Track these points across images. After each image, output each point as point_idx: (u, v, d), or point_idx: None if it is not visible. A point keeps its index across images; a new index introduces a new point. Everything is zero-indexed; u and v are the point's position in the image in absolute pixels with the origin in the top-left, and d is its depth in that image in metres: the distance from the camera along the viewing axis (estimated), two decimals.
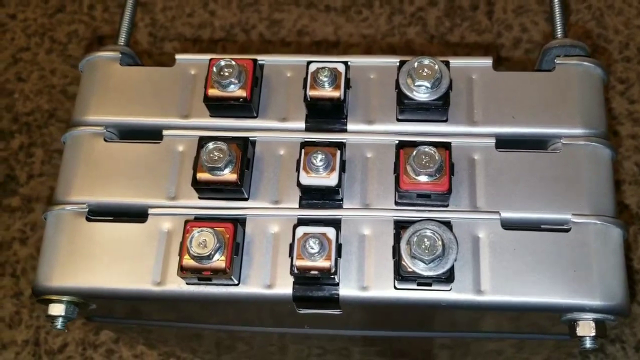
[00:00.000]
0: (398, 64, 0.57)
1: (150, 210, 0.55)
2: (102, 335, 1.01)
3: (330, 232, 0.51)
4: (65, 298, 0.54)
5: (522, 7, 1.15)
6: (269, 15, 1.19)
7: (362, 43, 1.17)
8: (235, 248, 0.51)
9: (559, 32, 0.62)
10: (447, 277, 0.49)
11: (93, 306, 0.56)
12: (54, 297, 0.54)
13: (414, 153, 0.52)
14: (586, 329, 0.51)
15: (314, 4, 1.19)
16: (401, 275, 0.50)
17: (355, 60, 0.59)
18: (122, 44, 0.64)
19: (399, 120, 0.57)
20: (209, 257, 0.50)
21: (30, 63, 1.20)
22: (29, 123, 1.15)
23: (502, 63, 1.12)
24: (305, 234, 0.51)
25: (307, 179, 0.53)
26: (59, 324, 0.54)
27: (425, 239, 0.49)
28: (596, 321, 0.51)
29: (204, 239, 0.50)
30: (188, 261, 0.50)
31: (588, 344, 0.51)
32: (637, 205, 1.00)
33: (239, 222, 0.53)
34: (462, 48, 1.14)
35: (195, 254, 0.49)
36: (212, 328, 0.64)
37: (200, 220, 0.53)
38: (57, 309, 0.54)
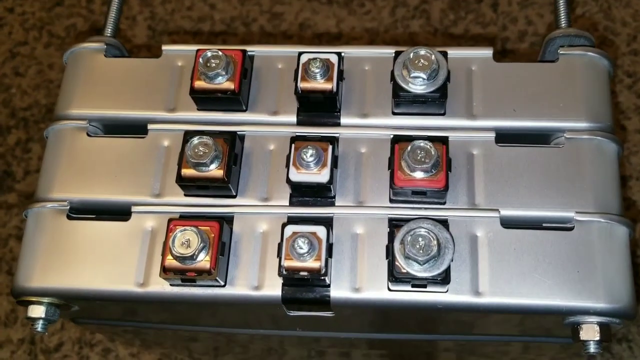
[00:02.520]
0: (394, 54, 0.54)
1: (134, 208, 0.53)
2: (98, 333, 0.99)
3: (321, 231, 0.49)
4: (45, 300, 0.52)
5: (528, 0, 1.12)
6: (270, 8, 1.17)
7: (365, 36, 1.14)
8: (221, 248, 0.49)
9: (563, 21, 0.59)
10: (443, 279, 0.47)
11: (76, 308, 0.54)
12: (34, 299, 0.52)
13: (409, 148, 0.49)
14: (590, 332, 0.48)
15: None
16: (395, 276, 0.47)
17: (349, 51, 0.56)
18: (108, 35, 0.62)
19: (394, 113, 0.54)
20: (193, 258, 0.47)
21: (28, 57, 1.18)
22: (27, 118, 1.13)
23: (507, 56, 1.09)
24: (294, 233, 0.48)
25: (297, 175, 0.50)
26: (39, 326, 0.52)
27: (420, 239, 0.47)
28: (600, 324, 0.48)
29: (187, 239, 0.47)
30: (171, 262, 0.48)
31: (592, 348, 0.49)
32: None
33: (225, 221, 0.50)
34: (466, 41, 1.11)
35: (178, 254, 0.47)
36: (200, 330, 0.62)
37: (184, 218, 0.51)
38: (37, 311, 0.52)
